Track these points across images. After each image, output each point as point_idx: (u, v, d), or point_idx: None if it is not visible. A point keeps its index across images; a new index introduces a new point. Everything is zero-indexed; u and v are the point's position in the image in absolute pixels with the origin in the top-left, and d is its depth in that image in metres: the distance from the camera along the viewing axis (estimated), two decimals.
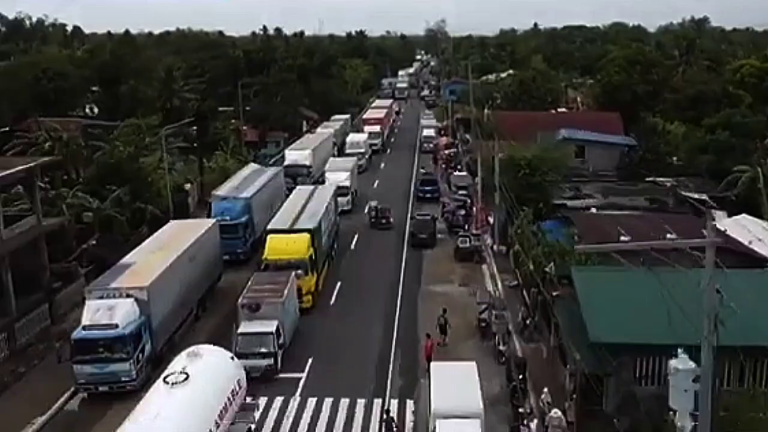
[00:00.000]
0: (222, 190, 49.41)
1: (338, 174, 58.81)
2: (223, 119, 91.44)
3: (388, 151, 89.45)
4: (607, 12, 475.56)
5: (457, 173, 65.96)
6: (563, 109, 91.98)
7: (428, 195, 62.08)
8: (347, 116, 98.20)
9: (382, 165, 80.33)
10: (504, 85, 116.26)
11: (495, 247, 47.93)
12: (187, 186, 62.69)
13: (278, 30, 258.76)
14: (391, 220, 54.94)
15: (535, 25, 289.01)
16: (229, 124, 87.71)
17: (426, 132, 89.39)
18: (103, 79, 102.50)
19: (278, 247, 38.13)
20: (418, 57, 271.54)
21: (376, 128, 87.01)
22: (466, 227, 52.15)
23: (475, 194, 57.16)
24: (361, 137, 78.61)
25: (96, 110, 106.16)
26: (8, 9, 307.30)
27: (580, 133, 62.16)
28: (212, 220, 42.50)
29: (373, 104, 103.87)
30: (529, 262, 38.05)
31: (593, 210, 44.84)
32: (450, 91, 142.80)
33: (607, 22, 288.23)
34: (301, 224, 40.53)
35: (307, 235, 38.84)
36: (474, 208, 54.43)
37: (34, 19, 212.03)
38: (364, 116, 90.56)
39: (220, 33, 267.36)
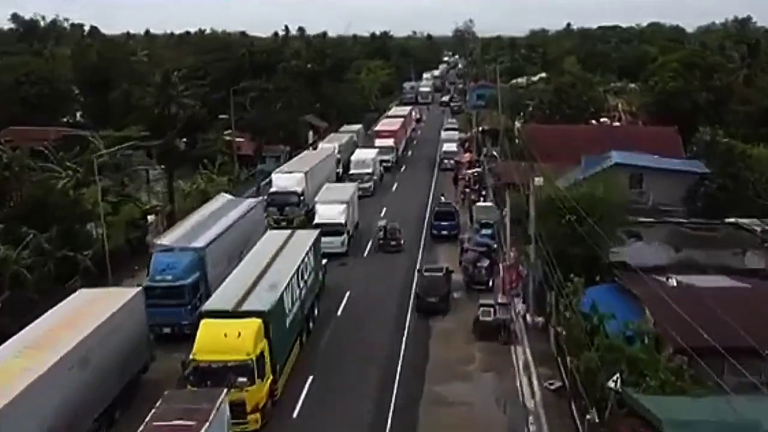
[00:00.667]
0: (168, 237, 37.14)
1: (331, 208, 46.45)
2: (217, 129, 79.72)
3: (403, 168, 76.74)
4: (641, 12, 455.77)
5: (481, 204, 53.10)
6: (605, 120, 78.66)
7: (444, 232, 49.42)
8: (358, 126, 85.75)
9: (394, 186, 67.68)
10: (537, 90, 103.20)
11: (529, 317, 35.14)
12: (150, 218, 50.69)
13: (301, 30, 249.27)
14: (402, 242, 47.45)
15: (568, 25, 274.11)
16: (222, 136, 75.83)
17: (446, 146, 76.48)
18: (89, 84, 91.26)
19: (213, 341, 25.66)
20: (446, 58, 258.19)
21: (389, 142, 74.38)
22: (490, 283, 39.48)
23: (502, 230, 44.52)
24: (368, 154, 66.02)
25: (87, 117, 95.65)
26: (23, 9, 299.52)
27: (636, 156, 48.93)
28: (133, 291, 30.12)
29: (389, 113, 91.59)
30: (580, 364, 25.44)
31: (672, 282, 31.62)
32: (477, 96, 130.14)
33: (643, 22, 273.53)
34: (251, 304, 27.84)
35: (256, 323, 26.31)
36: (500, 257, 41.72)
37: (48, 20, 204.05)
38: (376, 128, 78.28)
39: (242, 33, 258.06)
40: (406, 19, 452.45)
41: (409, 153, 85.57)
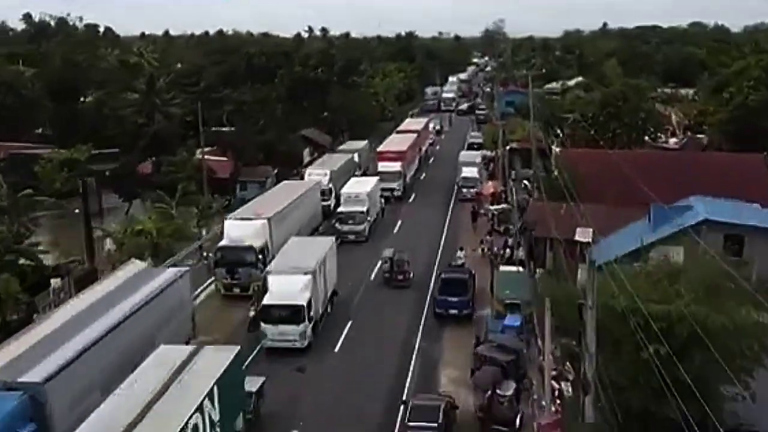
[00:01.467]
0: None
1: (289, 282, 31.65)
2: (190, 148, 65.54)
3: (412, 197, 61.63)
4: (681, 11, 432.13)
5: (506, 269, 37.79)
6: (663, 139, 62.77)
7: (453, 310, 34.43)
8: (362, 144, 70.85)
9: (397, 226, 52.52)
10: (576, 99, 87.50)
11: None
12: (54, 283, 36.29)
13: (323, 30, 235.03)
14: (411, 275, 39.88)
15: (604, 25, 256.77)
16: (193, 156, 61.62)
17: (466, 171, 61.00)
18: (53, 91, 77.84)
19: None
20: (475, 60, 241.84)
21: (394, 166, 59.26)
22: (517, 423, 24.51)
23: (538, 322, 29.60)
24: (362, 187, 50.87)
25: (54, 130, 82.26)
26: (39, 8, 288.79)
27: (730, 208, 33.47)
28: None
29: (400, 127, 76.53)
30: None
31: None
32: (506, 102, 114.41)
33: (683, 23, 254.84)
34: None
35: None
36: (533, 369, 26.75)
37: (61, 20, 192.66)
38: (379, 148, 63.35)
39: (264, 35, 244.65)
40: (438, 20, 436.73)
41: (422, 176, 70.35)
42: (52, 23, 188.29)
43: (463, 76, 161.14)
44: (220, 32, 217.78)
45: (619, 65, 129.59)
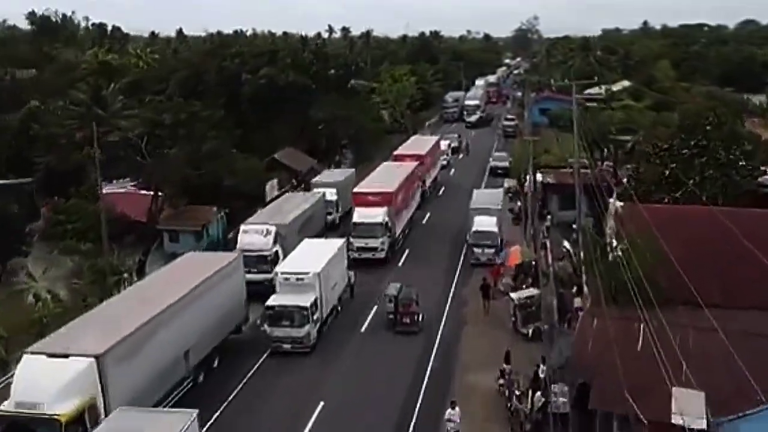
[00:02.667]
0: None
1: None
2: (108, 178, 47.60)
3: (403, 257, 42.30)
4: (726, 9, 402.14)
5: None
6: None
7: None
8: (344, 175, 51.99)
9: (367, 321, 33.51)
10: (628, 113, 68.11)
11: None
12: None
13: (345, 30, 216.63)
14: (420, 318, 31.35)
15: (645, 23, 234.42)
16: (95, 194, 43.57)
17: (480, 223, 40.83)
18: None
19: None
20: (506, 61, 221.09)
21: (375, 215, 39.73)
22: None
23: None
24: (312, 261, 31.34)
25: None
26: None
27: None
28: None
29: (399, 150, 56.13)
30: None
31: None
32: (539, 111, 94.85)
33: (729, 21, 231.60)
34: None
35: None
36: None
37: (69, 18, 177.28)
38: (355, 189, 44.12)
39: (284, 33, 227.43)
40: (468, 20, 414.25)
41: (425, 218, 51.04)
42: (57, 21, 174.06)
43: (491, 78, 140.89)
44: (236, 33, 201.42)
45: (673, 68, 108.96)
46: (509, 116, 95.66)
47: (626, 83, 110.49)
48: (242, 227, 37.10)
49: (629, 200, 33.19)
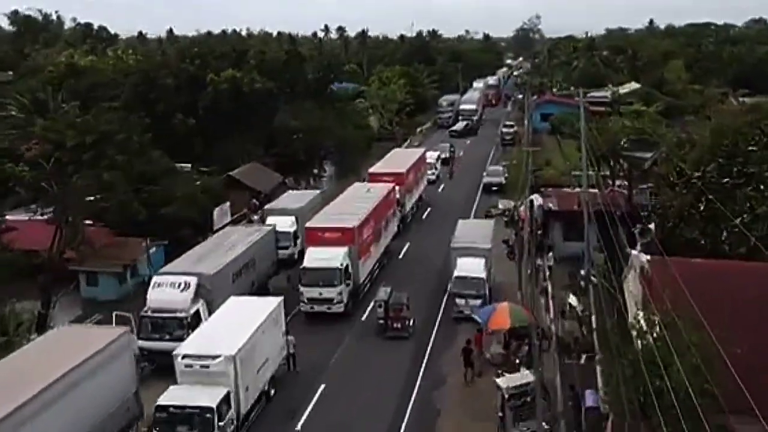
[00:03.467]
0: None
1: None
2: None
3: (368, 311, 33.78)
4: (732, 9, 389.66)
5: None
6: None
7: None
8: (312, 196, 43.39)
9: (309, 407, 25.17)
10: (638, 121, 59.34)
11: None
12: None
13: (340, 29, 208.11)
14: (411, 323, 29.44)
15: (651, 22, 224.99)
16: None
17: (463, 266, 32.22)
18: None
19: None
20: (508, 61, 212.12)
21: (332, 258, 31.10)
22: None
23: None
24: (229, 339, 22.83)
25: None
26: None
27: None
28: None
29: (374, 168, 47.72)
30: None
31: None
32: (541, 117, 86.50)
33: (736, 20, 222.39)
34: None
35: None
36: None
37: (53, 18, 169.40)
38: (309, 222, 35.65)
39: (279, 34, 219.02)
40: (474, 20, 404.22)
41: (404, 250, 42.26)
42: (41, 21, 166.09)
43: (491, 80, 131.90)
44: (224, 33, 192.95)
45: (687, 70, 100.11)
46: (508, 122, 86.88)
47: (635, 85, 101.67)
48: (155, 278, 28.60)
49: (654, 246, 24.71)
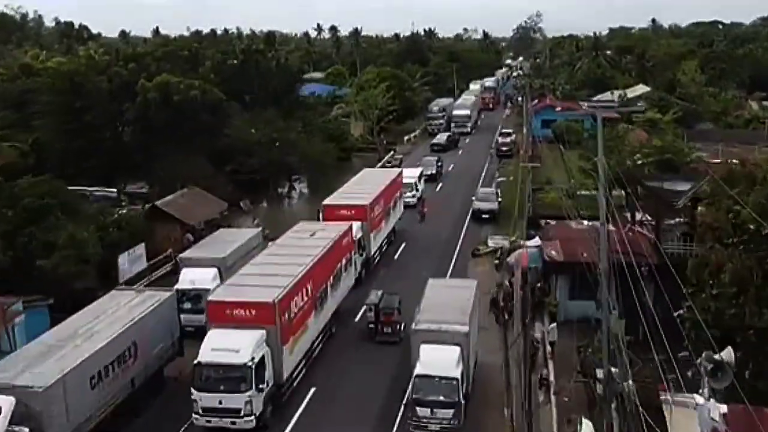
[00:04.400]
0: None
1: None
2: None
3: (291, 424, 23.52)
4: (737, 6, 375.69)
5: None
6: None
7: None
8: (247, 237, 33.36)
9: None
10: (679, 147, 49.37)
11: None
12: None
13: (333, 29, 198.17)
14: (401, 327, 27.75)
15: (653, 21, 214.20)
16: None
17: (429, 358, 21.81)
18: None
19: None
20: (508, 61, 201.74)
21: (237, 349, 21.41)
22: None
23: None
24: None
25: None
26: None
27: None
28: None
29: (332, 199, 36.32)
30: None
31: None
32: (542, 123, 76.55)
33: (743, 18, 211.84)
34: None
35: None
36: None
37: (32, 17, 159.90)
38: (213, 294, 25.88)
39: (270, 33, 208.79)
40: (473, 19, 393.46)
41: (360, 314, 32.18)
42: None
43: (488, 82, 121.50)
44: (212, 33, 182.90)
45: (702, 71, 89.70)
46: (505, 130, 76.67)
47: (644, 88, 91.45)
48: None
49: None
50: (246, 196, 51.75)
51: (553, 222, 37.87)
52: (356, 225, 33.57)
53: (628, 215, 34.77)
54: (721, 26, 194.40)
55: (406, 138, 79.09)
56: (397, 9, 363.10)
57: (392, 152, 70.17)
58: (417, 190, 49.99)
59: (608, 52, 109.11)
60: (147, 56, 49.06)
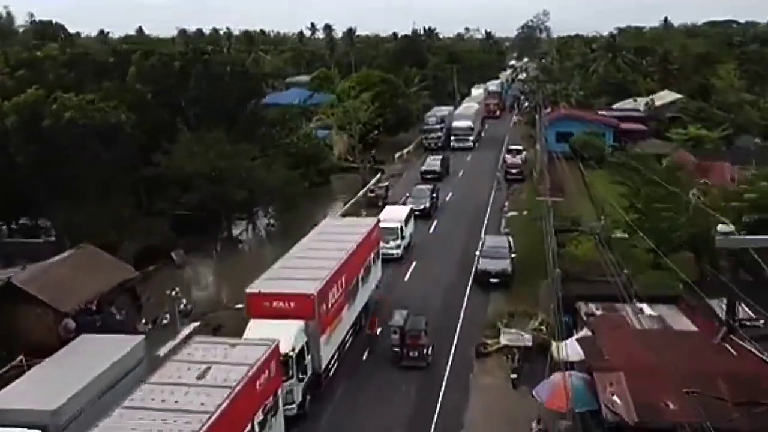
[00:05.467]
0: None
1: None
2: None
3: None
4: (746, 5, 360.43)
5: None
6: None
7: None
8: (113, 359, 20.51)
9: None
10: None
11: None
12: None
13: (328, 27, 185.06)
14: (429, 351, 25.22)
15: (665, 20, 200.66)
16: None
17: None
18: None
19: None
20: (512, 62, 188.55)
21: None
22: None
23: None
24: None
25: None
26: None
27: None
28: None
29: (263, 283, 22.65)
30: None
31: None
32: (557, 136, 63.99)
33: (761, 17, 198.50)
34: None
35: None
36: None
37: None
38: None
39: (262, 32, 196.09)
40: (474, 19, 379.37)
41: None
42: None
43: (492, 86, 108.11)
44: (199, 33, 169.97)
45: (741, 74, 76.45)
46: (514, 146, 63.56)
47: (673, 95, 78.29)
48: None
49: None
50: (186, 241, 39.09)
51: (597, 308, 25.03)
52: (294, 328, 20.84)
53: (722, 309, 21.81)
54: (735, 25, 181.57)
55: (397, 155, 66.09)
56: (397, 9, 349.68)
57: (379, 174, 57.28)
58: (402, 237, 36.97)
59: (627, 54, 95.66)
60: (47, 61, 36.09)
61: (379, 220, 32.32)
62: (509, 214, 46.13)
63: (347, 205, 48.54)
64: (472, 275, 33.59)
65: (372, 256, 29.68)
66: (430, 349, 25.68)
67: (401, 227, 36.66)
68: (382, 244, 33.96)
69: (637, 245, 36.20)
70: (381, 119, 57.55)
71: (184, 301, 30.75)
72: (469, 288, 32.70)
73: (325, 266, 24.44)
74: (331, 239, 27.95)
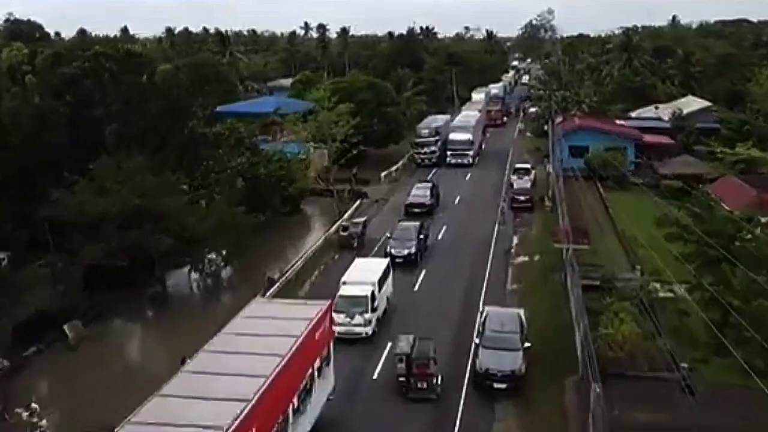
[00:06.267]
0: None
1: None
2: None
3: None
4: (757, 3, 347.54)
5: None
6: None
7: None
8: None
9: None
10: None
11: None
12: None
13: (322, 27, 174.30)
14: (437, 381, 21.89)
15: (674, 19, 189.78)
16: None
17: None
18: None
19: None
20: (514, 63, 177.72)
21: None
22: None
23: None
24: None
25: None
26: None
27: None
28: None
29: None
30: None
31: None
32: (570, 150, 53.73)
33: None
34: None
35: None
36: None
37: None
38: None
39: (253, 32, 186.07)
40: (474, 19, 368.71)
41: None
42: None
43: (494, 89, 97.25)
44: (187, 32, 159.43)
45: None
46: (520, 165, 53.15)
47: (699, 101, 67.78)
48: None
49: None
50: (103, 298, 29.18)
51: None
52: None
53: None
54: (746, 24, 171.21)
55: (383, 174, 55.65)
56: (398, 9, 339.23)
57: (359, 201, 46.94)
58: (374, 309, 26.59)
59: (646, 57, 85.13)
60: None
61: (336, 293, 22.25)
62: (518, 260, 35.85)
63: (316, 245, 38.26)
64: (467, 374, 23.26)
65: (318, 363, 19.44)
66: (440, 378, 22.26)
67: (371, 294, 26.29)
68: (344, 320, 24.33)
69: (688, 311, 27.49)
70: (362, 136, 47.00)
71: (43, 423, 20.50)
72: (463, 395, 22.38)
73: (241, 392, 14.35)
74: (253, 345, 17.73)
